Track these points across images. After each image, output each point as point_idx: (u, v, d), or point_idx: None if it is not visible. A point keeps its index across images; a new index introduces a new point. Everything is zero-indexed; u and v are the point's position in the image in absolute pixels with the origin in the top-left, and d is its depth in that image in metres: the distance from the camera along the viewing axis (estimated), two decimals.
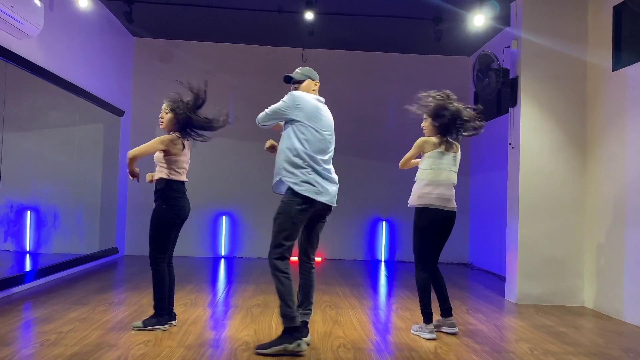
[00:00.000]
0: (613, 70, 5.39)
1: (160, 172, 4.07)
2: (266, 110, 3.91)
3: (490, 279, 7.31)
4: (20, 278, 5.42)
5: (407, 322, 4.64)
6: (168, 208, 4.02)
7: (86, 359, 3.32)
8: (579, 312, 5.41)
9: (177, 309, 4.74)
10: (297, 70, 4.03)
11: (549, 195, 5.76)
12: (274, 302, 5.23)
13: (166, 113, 4.12)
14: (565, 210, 5.77)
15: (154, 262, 4.07)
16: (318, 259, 8.81)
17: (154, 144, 3.98)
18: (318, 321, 4.54)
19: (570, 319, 5.05)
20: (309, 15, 6.53)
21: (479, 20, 6.40)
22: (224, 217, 8.93)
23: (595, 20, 5.73)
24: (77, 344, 3.61)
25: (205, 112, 4.15)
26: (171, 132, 4.11)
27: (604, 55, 5.54)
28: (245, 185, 8.78)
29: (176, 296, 5.19)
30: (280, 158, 3.70)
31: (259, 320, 4.51)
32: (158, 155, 4.08)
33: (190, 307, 4.90)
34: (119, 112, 8.12)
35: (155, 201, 4.08)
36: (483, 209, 8.41)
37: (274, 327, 4.28)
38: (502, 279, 7.04)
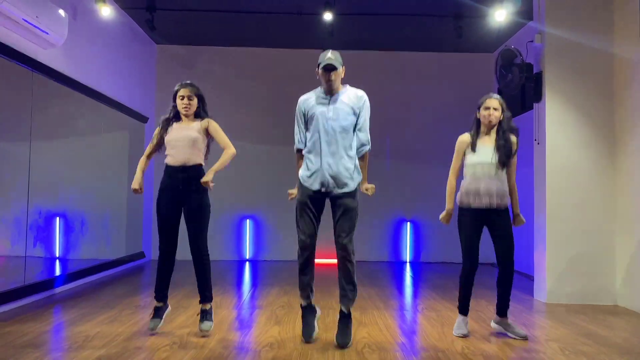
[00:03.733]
0: None
1: (197, 158, 3.99)
2: (367, 127, 3.93)
3: (519, 279, 7.14)
4: (50, 282, 5.54)
5: (433, 323, 4.57)
6: (207, 193, 4.03)
7: None
8: (611, 310, 5.25)
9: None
10: (330, 55, 3.77)
11: (577, 192, 5.62)
12: (298, 304, 5.23)
13: (191, 100, 4.02)
14: (595, 207, 5.62)
15: (207, 252, 4.02)
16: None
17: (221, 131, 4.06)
18: None
19: (602, 317, 4.91)
20: (328, 16, 6.52)
21: (500, 15, 6.30)
22: (247, 220, 8.97)
23: (621, 10, 5.57)
24: (104, 347, 3.66)
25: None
26: (197, 118, 4.08)
27: (632, 46, 5.38)
28: (269, 189, 8.80)
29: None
30: (352, 162, 3.80)
31: (283, 321, 4.51)
32: (200, 139, 3.99)
33: (216, 309, 4.92)
34: (143, 119, 8.24)
35: (195, 190, 3.93)
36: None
37: (298, 328, 4.26)
38: (530, 278, 6.89)
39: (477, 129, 4.15)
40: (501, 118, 4.06)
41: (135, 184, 4.08)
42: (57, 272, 5.80)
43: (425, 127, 9.14)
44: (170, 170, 3.98)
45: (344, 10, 7.00)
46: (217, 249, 8.81)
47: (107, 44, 7.05)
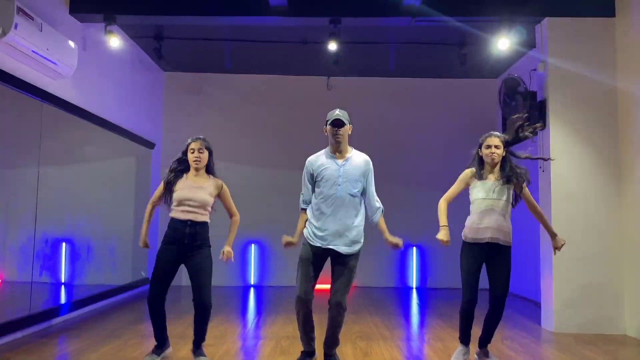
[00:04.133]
0: None
1: (205, 217, 4.09)
2: (374, 191, 4.07)
3: (526, 306, 7.09)
4: (55, 311, 5.53)
5: (439, 353, 4.53)
6: (210, 249, 4.14)
7: None
8: (621, 340, 5.19)
9: (208, 341, 4.72)
10: (338, 112, 3.87)
11: (582, 220, 5.60)
12: None
13: (201, 153, 4.08)
14: (601, 235, 5.59)
15: (211, 304, 4.06)
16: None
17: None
18: (348, 353, 4.48)
19: (612, 348, 4.84)
20: (333, 46, 6.61)
21: (503, 44, 6.35)
22: (252, 245, 8.97)
23: (623, 42, 5.62)
24: None
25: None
26: (208, 173, 4.19)
27: (635, 71, 5.42)
28: (274, 213, 8.80)
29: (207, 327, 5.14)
30: (360, 225, 3.95)
31: (288, 352, 4.48)
32: (210, 200, 4.09)
33: (220, 339, 4.90)
34: (150, 145, 8.32)
35: (202, 247, 4.04)
36: (515, 235, 8.18)
37: None
38: (537, 305, 6.82)
39: (480, 165, 4.14)
40: (504, 154, 4.07)
41: (142, 242, 4.19)
42: (63, 299, 5.81)
43: (430, 152, 9.17)
44: (177, 224, 4.01)
45: (348, 38, 7.09)
46: (221, 275, 8.79)
47: (116, 73, 7.17)
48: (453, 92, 9.26)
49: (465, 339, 4.13)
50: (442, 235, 4.06)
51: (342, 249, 3.83)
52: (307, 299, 3.82)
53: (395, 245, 4.00)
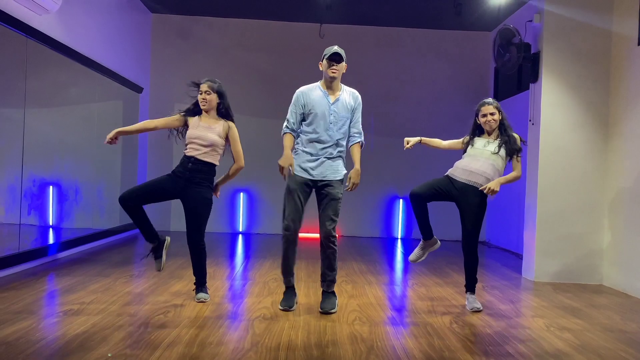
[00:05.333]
0: (639, 44, 5.24)
1: (212, 158, 4.12)
2: (360, 123, 4.13)
3: (508, 257, 7.28)
4: (44, 250, 5.57)
5: (422, 297, 4.66)
6: (210, 188, 4.18)
7: (107, 327, 3.41)
8: (597, 290, 5.37)
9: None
10: (337, 48, 3.93)
11: (568, 173, 5.69)
12: None
13: (208, 94, 4.08)
14: (586, 188, 5.69)
15: (203, 245, 4.16)
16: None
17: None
18: None
19: (588, 296, 5.02)
20: None
21: None
22: (241, 193, 9.00)
23: None
24: (99, 314, 3.72)
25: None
26: (219, 116, 4.20)
27: (630, 27, 5.39)
28: (263, 162, 8.80)
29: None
30: (339, 155, 4.02)
31: (275, 293, 4.58)
32: (218, 140, 4.10)
33: (209, 280, 4.96)
34: (138, 89, 8.17)
35: (200, 184, 4.06)
36: (501, 189, 8.31)
37: None
38: (519, 257, 7.01)
39: (479, 132, 4.36)
40: (500, 118, 4.24)
41: (115, 132, 4.00)
42: (51, 240, 5.83)
43: (420, 104, 9.14)
44: (184, 159, 4.08)
45: None
46: (210, 222, 8.82)
47: (102, 12, 6.95)
48: (447, 44, 9.16)
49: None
50: (408, 141, 4.41)
51: (324, 179, 3.95)
52: (292, 227, 3.93)
53: (352, 185, 3.98)
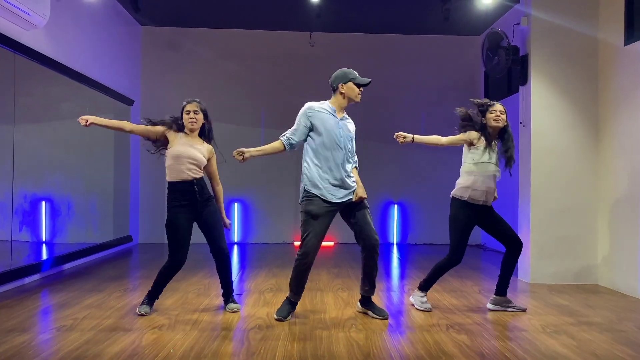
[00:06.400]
0: (625, 44, 5.29)
1: (202, 174, 4.16)
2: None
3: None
4: (37, 266, 5.52)
5: None
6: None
7: (101, 343, 3.38)
8: (593, 290, 5.38)
9: (191, 294, 4.82)
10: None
11: (560, 174, 5.71)
12: (286, 286, 5.29)
13: (197, 114, 4.11)
14: (578, 188, 5.71)
15: (228, 251, 4.26)
16: (329, 244, 8.86)
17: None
18: (330, 303, 4.58)
19: (584, 297, 5.02)
20: None
21: None
22: (235, 203, 8.98)
23: None
24: (92, 329, 3.68)
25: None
26: (201, 136, 4.23)
27: (616, 29, 5.43)
28: (256, 172, 8.80)
29: (190, 282, 5.28)
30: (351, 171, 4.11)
31: (271, 303, 4.55)
32: (203, 160, 4.14)
33: (204, 292, 4.96)
34: (129, 102, 8.16)
35: (209, 200, 4.16)
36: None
37: None
38: None
39: (483, 130, 4.30)
40: (506, 123, 4.28)
41: (87, 117, 3.88)
42: (44, 256, 5.78)
43: (412, 109, 9.17)
44: (186, 186, 4.04)
45: None
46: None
47: (91, 26, 6.94)
48: (436, 49, 9.21)
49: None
50: (403, 137, 4.35)
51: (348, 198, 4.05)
52: (315, 248, 4.00)
53: (360, 199, 4.10)
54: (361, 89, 4.05)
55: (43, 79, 5.67)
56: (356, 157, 4.20)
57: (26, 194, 5.40)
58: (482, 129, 4.27)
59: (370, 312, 4.15)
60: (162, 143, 4.16)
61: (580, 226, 5.70)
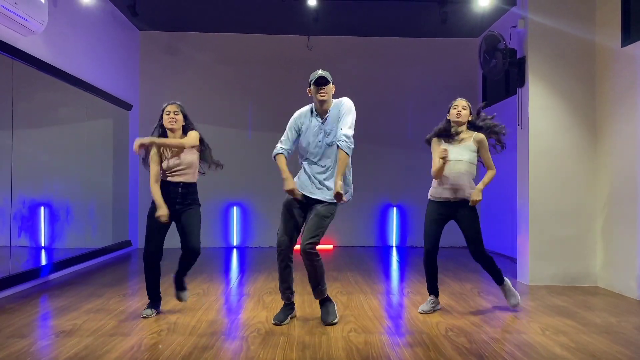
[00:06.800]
0: (622, 46, 5.30)
1: (193, 178, 4.21)
2: (350, 127, 3.92)
3: (502, 262, 7.27)
4: (36, 272, 5.51)
5: (418, 306, 4.64)
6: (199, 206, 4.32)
7: (101, 348, 3.38)
8: (592, 291, 5.38)
9: (190, 298, 4.82)
10: (321, 71, 3.95)
11: (559, 175, 5.72)
12: None
13: (176, 114, 4.18)
14: (576, 190, 5.72)
15: (199, 248, 4.21)
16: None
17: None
18: None
19: (583, 298, 5.03)
20: (312, 2, 6.49)
21: (484, 0, 6.32)
22: (234, 207, 8.98)
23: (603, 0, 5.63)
24: (92, 334, 3.68)
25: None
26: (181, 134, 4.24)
27: (613, 31, 5.45)
28: (255, 175, 8.81)
29: (189, 286, 5.26)
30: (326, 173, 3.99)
31: (270, 307, 4.55)
32: (195, 159, 4.19)
33: (203, 296, 4.96)
34: (127, 106, 8.17)
35: (192, 204, 4.18)
36: (493, 191, 8.36)
37: None
38: (514, 261, 7.01)
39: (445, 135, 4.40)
40: (470, 118, 4.38)
41: (163, 211, 4.03)
42: (43, 261, 5.78)
43: (410, 112, 9.19)
44: (170, 187, 4.12)
45: None
46: (204, 237, 8.75)
47: (89, 31, 6.96)
48: (434, 52, 9.23)
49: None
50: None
51: (313, 196, 3.97)
52: (285, 244, 3.98)
53: (337, 195, 3.82)
54: (321, 88, 3.88)
55: (41, 85, 5.68)
56: (340, 140, 3.84)
57: (25, 199, 5.40)
58: (447, 128, 4.37)
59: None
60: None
61: (578, 228, 5.70)
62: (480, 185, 4.28)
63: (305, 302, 4.73)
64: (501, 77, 6.41)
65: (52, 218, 5.96)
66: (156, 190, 4.10)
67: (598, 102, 5.71)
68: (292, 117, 4.10)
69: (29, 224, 5.49)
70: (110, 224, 7.60)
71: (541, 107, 5.74)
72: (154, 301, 4.28)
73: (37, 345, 3.47)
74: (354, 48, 9.15)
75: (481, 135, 4.33)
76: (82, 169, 6.65)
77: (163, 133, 4.22)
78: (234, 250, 8.58)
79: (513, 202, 6.96)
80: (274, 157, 4.07)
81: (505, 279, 4.50)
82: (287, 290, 4.07)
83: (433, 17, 7.64)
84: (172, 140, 4.11)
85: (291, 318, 4.11)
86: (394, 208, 9.15)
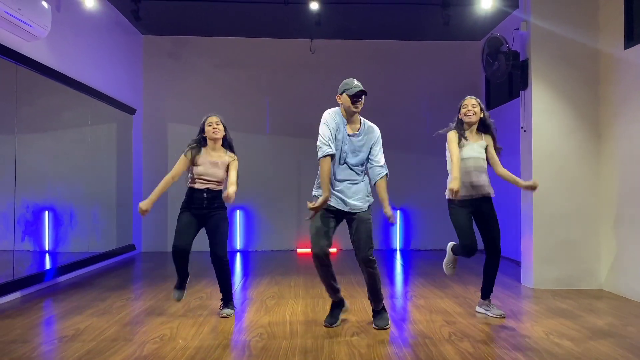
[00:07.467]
0: (625, 48, 5.28)
1: (220, 187, 4.39)
2: (381, 155, 4.09)
3: (507, 265, 7.24)
4: (40, 276, 5.53)
5: (422, 310, 4.63)
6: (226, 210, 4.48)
7: (103, 353, 3.38)
8: (597, 295, 5.34)
9: (193, 302, 4.82)
10: (358, 82, 3.93)
11: (562, 178, 5.69)
12: (288, 293, 5.30)
13: (218, 125, 4.37)
14: (580, 193, 5.69)
15: (227, 257, 4.38)
16: (332, 250, 8.84)
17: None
18: None
19: (587, 302, 4.99)
20: (314, 5, 6.50)
21: (486, 3, 6.31)
22: (238, 211, 8.98)
23: (606, 6, 5.60)
24: (94, 339, 3.68)
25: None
26: (224, 147, 4.49)
27: (615, 33, 5.43)
28: (259, 180, 8.80)
29: (191, 290, 5.28)
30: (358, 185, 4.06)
31: (273, 311, 4.54)
32: (225, 176, 4.40)
33: (206, 301, 4.95)
34: (131, 111, 8.19)
35: (219, 209, 4.35)
36: (497, 194, 8.32)
37: (287, 317, 4.31)
38: (518, 264, 6.97)
39: (460, 127, 4.39)
40: (481, 115, 4.36)
41: (145, 205, 4.19)
42: (47, 265, 5.79)
43: (413, 115, 9.17)
44: (196, 192, 4.31)
45: None
46: (208, 241, 8.81)
47: (92, 36, 6.98)
48: (437, 55, 9.22)
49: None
50: (455, 184, 4.06)
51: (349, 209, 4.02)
52: (322, 253, 3.95)
53: (389, 218, 4.01)
54: (357, 99, 3.85)
55: (45, 90, 5.70)
56: (383, 170, 4.07)
57: (28, 204, 5.42)
58: (459, 126, 4.36)
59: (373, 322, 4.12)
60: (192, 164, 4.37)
61: (583, 231, 5.67)
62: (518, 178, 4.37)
63: (307, 306, 4.72)
64: (504, 79, 6.38)
65: (56, 222, 5.97)
66: (162, 185, 4.28)
67: (602, 104, 5.68)
68: (327, 116, 3.90)
69: (32, 228, 5.50)
70: (114, 228, 7.62)
71: (544, 110, 5.72)
72: (180, 284, 4.39)
73: (39, 350, 3.47)
74: (356, 51, 9.15)
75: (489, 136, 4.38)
76: (85, 173, 6.67)
77: (202, 144, 4.40)
78: (238, 254, 8.58)
79: (517, 205, 6.92)
80: (322, 157, 3.78)
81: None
82: (335, 293, 4.09)
83: (436, 20, 7.62)
84: (158, 191, 4.27)
85: (342, 313, 4.20)
86: (398, 211, 9.12)
